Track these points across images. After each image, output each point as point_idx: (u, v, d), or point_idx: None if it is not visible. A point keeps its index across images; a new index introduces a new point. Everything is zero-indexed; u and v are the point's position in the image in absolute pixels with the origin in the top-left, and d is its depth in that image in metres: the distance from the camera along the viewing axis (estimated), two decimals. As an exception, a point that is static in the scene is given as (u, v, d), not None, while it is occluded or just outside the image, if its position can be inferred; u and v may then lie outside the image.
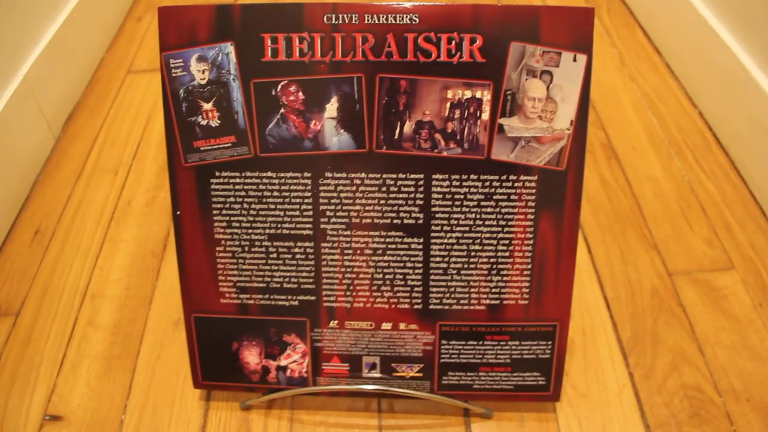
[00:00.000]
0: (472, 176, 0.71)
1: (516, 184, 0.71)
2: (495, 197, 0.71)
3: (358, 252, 0.74)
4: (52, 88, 1.25)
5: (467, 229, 0.73)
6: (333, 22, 0.66)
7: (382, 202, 0.72)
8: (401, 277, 0.75)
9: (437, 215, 0.72)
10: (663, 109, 1.27)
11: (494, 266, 0.74)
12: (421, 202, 0.72)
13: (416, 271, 0.75)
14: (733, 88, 1.15)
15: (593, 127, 1.23)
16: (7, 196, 1.10)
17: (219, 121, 0.70)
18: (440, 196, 0.71)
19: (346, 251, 0.74)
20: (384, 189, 0.71)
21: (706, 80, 1.24)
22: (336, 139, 0.70)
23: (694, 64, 1.28)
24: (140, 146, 1.24)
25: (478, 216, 0.72)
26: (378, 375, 0.81)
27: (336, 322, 0.78)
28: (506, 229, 0.73)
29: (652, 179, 1.13)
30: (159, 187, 1.15)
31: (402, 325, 0.78)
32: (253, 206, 0.73)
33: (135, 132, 1.27)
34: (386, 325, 0.78)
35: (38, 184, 1.17)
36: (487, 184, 0.71)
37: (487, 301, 0.76)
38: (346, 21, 0.66)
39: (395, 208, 0.72)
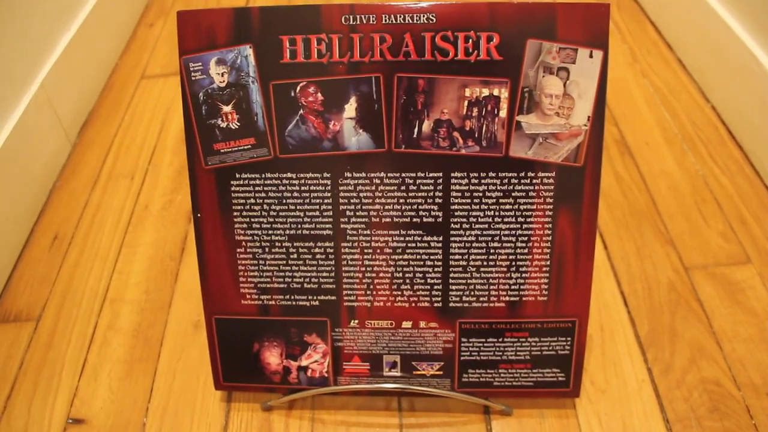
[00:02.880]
0: (491, 174, 0.71)
1: (534, 181, 0.71)
2: (513, 194, 0.72)
3: (378, 251, 0.75)
4: (67, 95, 1.26)
5: (486, 226, 0.73)
6: (351, 22, 0.67)
7: (401, 200, 0.72)
8: (421, 275, 0.75)
9: (456, 213, 0.73)
10: (675, 103, 1.27)
11: (513, 263, 0.74)
12: (440, 201, 0.72)
13: (436, 269, 0.75)
14: (746, 82, 1.14)
15: (606, 123, 1.22)
16: (25, 202, 1.11)
17: (239, 123, 0.71)
18: (459, 194, 0.72)
19: (365, 250, 0.75)
20: (403, 188, 0.72)
21: (719, 74, 1.24)
22: (355, 139, 0.70)
23: (706, 58, 1.28)
24: (155, 150, 1.24)
25: (496, 213, 0.72)
26: (398, 374, 0.81)
27: (356, 321, 0.78)
28: (525, 226, 0.73)
29: (666, 174, 1.13)
30: (175, 190, 1.16)
31: (422, 324, 0.78)
32: (273, 207, 0.74)
33: (150, 136, 1.28)
34: (406, 324, 0.78)
35: (56, 190, 1.18)
36: (506, 181, 0.71)
37: (507, 298, 0.76)
38: (364, 21, 0.67)
39: (414, 206, 0.73)
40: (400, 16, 0.66)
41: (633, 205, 1.08)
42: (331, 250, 0.75)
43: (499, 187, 0.71)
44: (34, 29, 1.19)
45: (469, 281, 0.75)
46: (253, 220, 0.74)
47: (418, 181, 0.72)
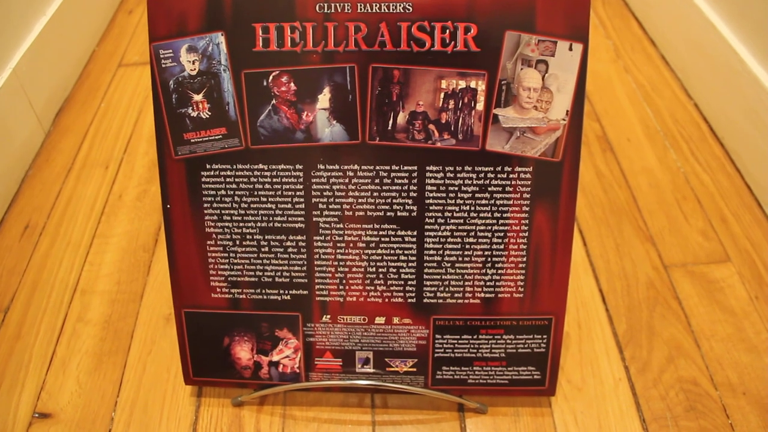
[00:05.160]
0: (467, 168, 0.70)
1: (511, 176, 0.70)
2: (490, 189, 0.70)
3: (351, 245, 0.73)
4: (41, 82, 1.24)
5: (461, 221, 0.72)
6: (325, 11, 0.65)
7: (375, 194, 0.71)
8: (395, 270, 0.74)
9: (431, 207, 0.71)
10: (658, 100, 1.26)
11: (489, 259, 0.73)
12: (415, 194, 0.71)
13: (410, 264, 0.74)
14: (729, 79, 1.14)
15: (588, 119, 1.22)
16: (-5, 190, 1.09)
17: (209, 113, 0.69)
18: (434, 187, 0.70)
19: (338, 244, 0.73)
20: (377, 181, 0.70)
21: (701, 71, 1.23)
22: (328, 131, 0.69)
23: (689, 55, 1.27)
24: (131, 140, 1.22)
25: (472, 208, 0.71)
26: (371, 370, 0.80)
27: (329, 316, 0.77)
28: (501, 222, 0.72)
29: (648, 171, 1.12)
30: (150, 181, 1.14)
31: (395, 320, 0.77)
32: (244, 199, 0.72)
33: (126, 126, 1.26)
34: (379, 320, 0.77)
35: (28, 178, 1.16)
36: (482, 175, 0.70)
37: (482, 295, 0.75)
38: (339, 10, 0.65)
39: (388, 200, 0.71)
40: (375, 5, 0.65)
41: (613, 201, 1.07)
42: (303, 244, 0.73)
43: (475, 182, 0.70)
44: (7, 12, 1.17)
45: (443, 277, 0.74)
46: (223, 212, 0.73)
47: (393, 175, 0.70)
